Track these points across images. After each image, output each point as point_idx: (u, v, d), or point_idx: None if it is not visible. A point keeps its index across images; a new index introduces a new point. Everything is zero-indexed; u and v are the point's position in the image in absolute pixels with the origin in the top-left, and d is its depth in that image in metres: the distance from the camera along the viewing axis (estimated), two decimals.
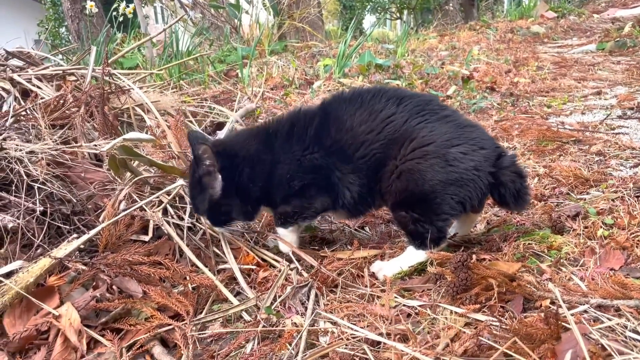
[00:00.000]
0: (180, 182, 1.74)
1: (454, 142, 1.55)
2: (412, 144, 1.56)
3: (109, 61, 3.07)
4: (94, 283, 1.51)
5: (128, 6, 5.14)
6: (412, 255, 1.62)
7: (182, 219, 1.85)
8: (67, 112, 1.98)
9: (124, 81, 2.17)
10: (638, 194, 2.01)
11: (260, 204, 1.72)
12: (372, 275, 1.63)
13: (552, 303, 1.37)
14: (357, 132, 1.61)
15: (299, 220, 1.72)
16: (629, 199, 1.93)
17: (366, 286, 1.56)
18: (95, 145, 1.84)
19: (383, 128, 1.60)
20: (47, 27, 15.08)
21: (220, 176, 1.65)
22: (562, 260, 1.62)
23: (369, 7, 15.31)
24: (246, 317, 1.40)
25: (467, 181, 1.54)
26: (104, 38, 5.12)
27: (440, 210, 1.56)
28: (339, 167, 1.63)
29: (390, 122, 1.60)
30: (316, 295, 1.52)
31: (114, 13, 5.46)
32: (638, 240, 1.66)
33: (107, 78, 2.23)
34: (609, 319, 1.30)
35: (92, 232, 1.50)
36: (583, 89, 4.52)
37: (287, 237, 1.74)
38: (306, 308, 1.44)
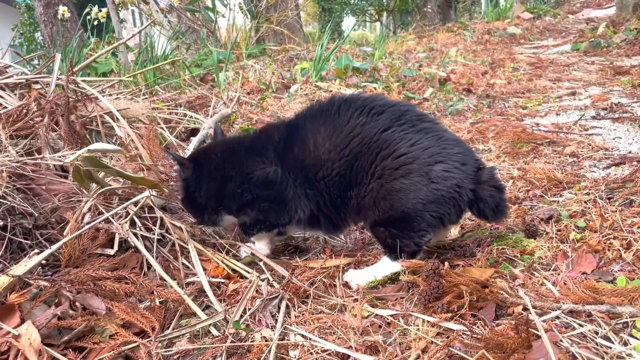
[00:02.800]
0: (147, 192, 1.70)
1: (437, 158, 1.51)
2: (392, 160, 1.52)
3: (79, 67, 3.01)
4: (57, 300, 1.45)
5: (100, 10, 5.05)
6: (387, 266, 1.60)
7: (150, 230, 1.80)
8: (30, 122, 1.92)
9: (87, 89, 2.11)
10: (610, 196, 2.02)
11: (218, 214, 1.75)
12: (345, 284, 1.61)
13: (525, 309, 1.36)
14: (319, 151, 1.58)
15: (256, 230, 1.75)
16: (600, 201, 1.93)
17: (338, 296, 1.53)
18: (60, 157, 1.79)
19: (348, 143, 1.55)
20: (22, 32, 14.82)
21: (182, 184, 1.74)
22: (534, 265, 1.62)
23: (347, 9, 15.33)
24: (214, 332, 1.37)
25: (448, 199, 1.52)
26: (77, 43, 5.03)
27: (419, 227, 1.54)
28: (296, 185, 1.63)
29: (356, 135, 1.55)
30: (287, 306, 1.49)
31: (88, 17, 5.36)
32: (610, 243, 1.67)
33: (73, 86, 2.16)
34: (581, 325, 1.29)
35: (54, 247, 1.45)
36: (558, 90, 4.57)
37: (257, 246, 1.78)
38: (276, 320, 1.40)
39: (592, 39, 7.18)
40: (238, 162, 1.69)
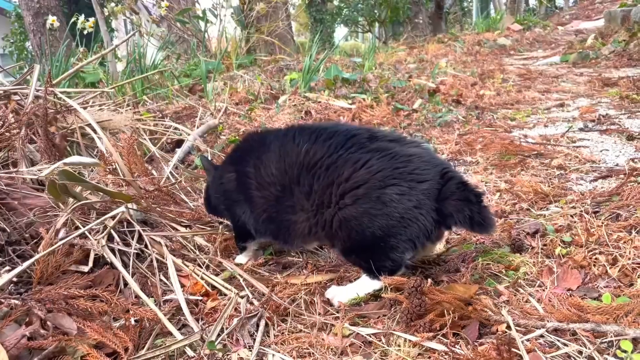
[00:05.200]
0: (123, 208, 1.66)
1: (387, 181, 1.42)
2: (337, 187, 1.46)
3: (63, 77, 2.98)
4: (27, 319, 1.40)
5: (88, 20, 5.00)
6: (368, 284, 1.55)
7: (129, 245, 1.76)
8: (7, 134, 1.88)
9: (65, 101, 2.07)
10: (596, 210, 2.00)
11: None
12: (327, 301, 1.57)
13: (509, 327, 1.33)
14: (266, 172, 1.59)
15: (235, 239, 1.88)
16: (586, 215, 1.91)
17: (319, 314, 1.50)
18: (36, 170, 1.75)
19: (288, 168, 1.53)
20: (12, 41, 14.75)
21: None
22: (519, 281, 1.59)
23: (339, 20, 15.40)
24: (190, 352, 1.32)
25: (410, 221, 1.43)
26: (65, 52, 4.98)
27: (390, 251, 1.48)
28: (245, 200, 1.69)
29: (298, 162, 1.52)
30: (267, 324, 1.45)
31: (78, 27, 5.32)
32: (595, 259, 1.64)
33: (53, 97, 2.12)
34: (565, 345, 1.27)
35: (25, 264, 1.40)
36: (547, 101, 4.57)
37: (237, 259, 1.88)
38: (255, 340, 1.36)
39: (581, 51, 7.23)
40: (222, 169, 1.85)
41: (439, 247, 1.90)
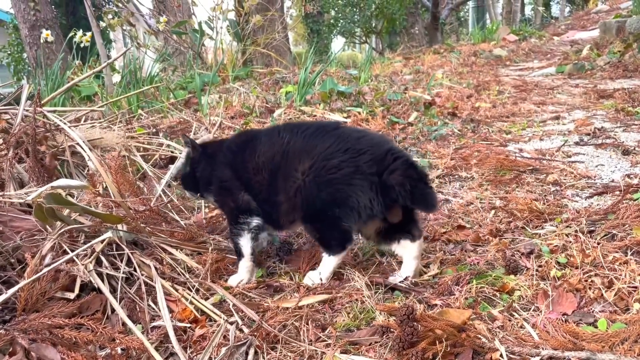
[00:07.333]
0: (110, 233, 1.63)
1: (334, 154, 1.67)
2: (298, 164, 1.71)
3: (58, 92, 2.96)
4: (11, 349, 1.37)
5: (85, 34, 5.01)
6: (327, 262, 1.77)
7: (117, 268, 1.73)
8: None
9: (54, 120, 2.05)
10: (591, 229, 1.98)
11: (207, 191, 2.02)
12: (318, 327, 1.54)
13: (502, 355, 1.31)
14: (260, 160, 1.81)
15: (232, 220, 1.89)
16: (582, 235, 1.89)
17: (310, 341, 1.47)
18: (24, 193, 1.72)
19: (274, 156, 1.78)
20: (9, 52, 14.77)
21: (190, 162, 2.03)
22: (514, 305, 1.56)
23: (335, 31, 15.43)
24: None
25: (350, 186, 1.64)
26: (60, 66, 4.97)
27: (336, 217, 1.68)
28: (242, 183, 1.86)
29: (280, 150, 1.77)
30: (256, 352, 1.42)
31: (74, 40, 5.33)
32: (591, 282, 1.62)
33: (42, 117, 2.10)
34: None
35: (10, 292, 1.37)
36: (542, 114, 4.57)
37: (231, 280, 1.85)
38: None
39: (577, 62, 7.24)
40: (219, 156, 1.95)
41: (433, 268, 1.88)
